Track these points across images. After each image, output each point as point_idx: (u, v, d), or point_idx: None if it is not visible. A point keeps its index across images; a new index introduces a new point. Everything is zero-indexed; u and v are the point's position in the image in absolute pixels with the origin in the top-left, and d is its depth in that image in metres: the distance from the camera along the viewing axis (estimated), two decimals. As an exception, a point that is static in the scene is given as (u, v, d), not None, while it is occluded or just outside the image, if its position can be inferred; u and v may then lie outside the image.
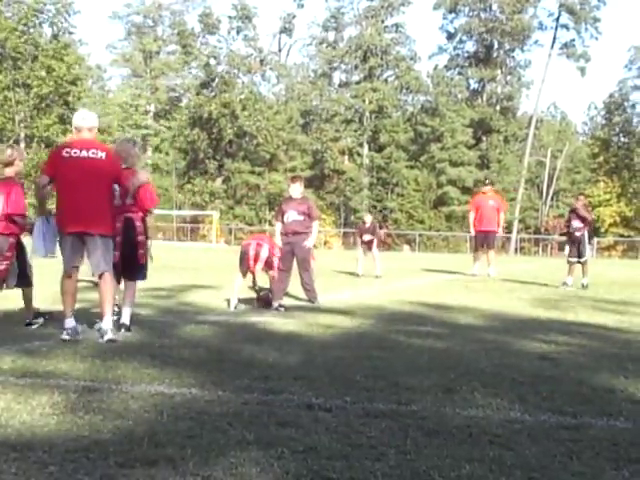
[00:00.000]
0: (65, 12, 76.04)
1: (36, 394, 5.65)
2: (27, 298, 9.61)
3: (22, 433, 4.69)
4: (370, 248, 21.81)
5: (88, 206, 8.34)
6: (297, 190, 13.49)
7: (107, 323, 8.38)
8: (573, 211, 18.85)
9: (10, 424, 4.86)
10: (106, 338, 8.18)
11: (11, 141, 69.83)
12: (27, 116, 70.66)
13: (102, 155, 8.49)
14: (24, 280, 9.58)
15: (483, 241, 21.96)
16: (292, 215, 13.26)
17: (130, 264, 9.22)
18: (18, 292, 12.03)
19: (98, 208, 8.40)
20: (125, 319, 9.19)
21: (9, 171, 9.39)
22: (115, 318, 8.87)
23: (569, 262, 18.48)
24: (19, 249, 9.45)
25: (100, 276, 8.58)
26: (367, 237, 21.96)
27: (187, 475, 4.02)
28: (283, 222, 13.31)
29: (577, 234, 18.33)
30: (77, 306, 11.00)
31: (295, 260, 13.31)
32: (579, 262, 18.32)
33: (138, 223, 9.16)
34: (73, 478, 3.96)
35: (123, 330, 8.99)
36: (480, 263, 21.97)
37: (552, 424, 5.21)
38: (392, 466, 4.25)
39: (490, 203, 21.77)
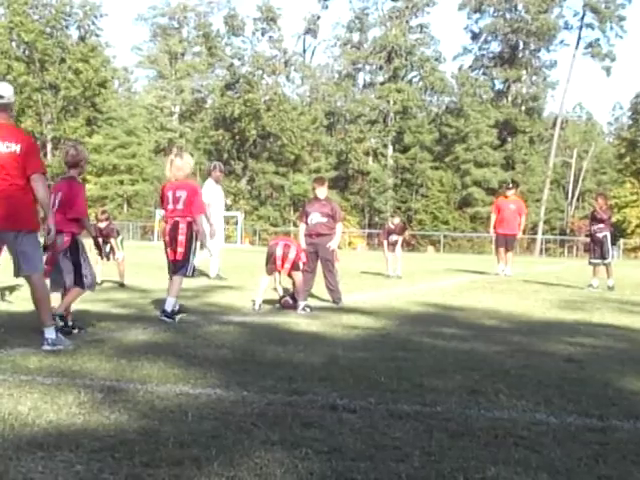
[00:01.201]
0: (92, 15, 76.63)
1: (62, 393, 5.68)
2: (71, 297, 8.97)
3: (49, 432, 4.72)
4: (395, 249, 21.78)
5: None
6: (321, 192, 13.50)
7: (48, 333, 7.76)
8: (593, 212, 18.80)
9: (37, 423, 4.89)
10: (48, 348, 7.58)
11: (38, 143, 70.53)
12: (54, 118, 71.14)
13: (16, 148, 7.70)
14: (78, 281, 9.00)
15: (503, 243, 22.40)
16: (316, 217, 13.30)
17: (174, 261, 10.40)
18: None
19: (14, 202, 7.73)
20: (167, 306, 10.20)
21: (73, 171, 9.23)
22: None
23: (591, 264, 18.40)
24: (74, 249, 9.02)
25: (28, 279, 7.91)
26: (394, 237, 21.92)
27: (212, 475, 4.03)
28: (307, 224, 13.35)
29: (599, 235, 18.23)
30: (102, 307, 11.05)
31: (319, 261, 13.36)
32: (603, 264, 18.22)
33: (182, 225, 10.31)
34: (99, 477, 3.97)
35: (162, 316, 10.10)
36: (503, 263, 22.30)
37: (578, 426, 5.18)
38: (416, 467, 4.24)
39: (511, 207, 22.32)
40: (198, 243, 10.72)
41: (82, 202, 9.15)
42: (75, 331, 8.73)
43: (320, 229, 13.29)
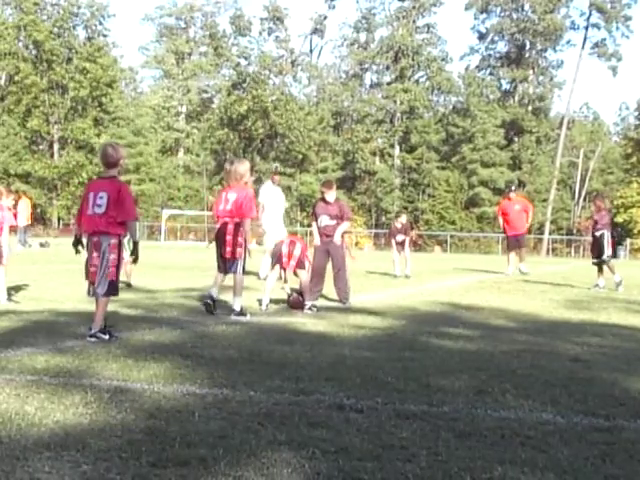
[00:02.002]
0: (100, 15, 76.78)
1: (69, 394, 5.69)
2: (102, 307, 8.65)
3: (56, 432, 4.72)
4: (403, 248, 21.81)
5: None
6: (330, 196, 13.56)
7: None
8: (596, 213, 18.89)
9: (44, 423, 4.90)
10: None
11: (45, 143, 70.64)
12: (62, 118, 71.25)
13: None
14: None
15: (515, 245, 22.96)
16: (324, 220, 13.47)
17: (225, 259, 10.96)
18: (49, 292, 12.15)
19: None
20: (236, 306, 10.85)
21: (113, 171, 8.80)
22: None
23: (593, 264, 18.47)
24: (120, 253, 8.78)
25: None
26: (400, 237, 21.94)
27: (219, 475, 4.03)
28: (317, 224, 13.47)
29: (596, 234, 18.30)
30: (109, 308, 11.09)
31: (330, 260, 13.49)
32: (602, 261, 18.21)
33: (231, 226, 10.86)
34: (106, 477, 3.98)
35: (233, 315, 10.71)
36: (513, 264, 22.57)
37: (585, 426, 5.17)
38: (423, 467, 4.24)
39: (516, 208, 22.92)
40: (251, 243, 11.42)
41: (131, 202, 8.85)
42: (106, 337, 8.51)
43: (329, 231, 13.43)
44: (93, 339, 8.29)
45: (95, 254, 8.57)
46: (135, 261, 9.09)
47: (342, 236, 13.49)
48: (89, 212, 8.64)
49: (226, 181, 11.48)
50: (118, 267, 8.74)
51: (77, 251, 8.81)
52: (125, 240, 16.07)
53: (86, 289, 8.88)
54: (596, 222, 18.36)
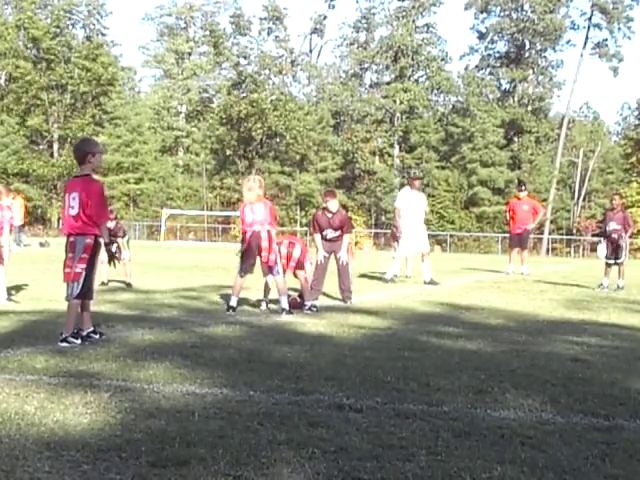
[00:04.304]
0: (97, 13, 76.77)
1: (69, 393, 5.69)
2: (72, 310, 8.38)
3: (55, 432, 4.73)
4: None
5: None
6: (333, 205, 13.59)
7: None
8: (608, 211, 18.77)
9: (44, 423, 4.90)
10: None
11: (44, 142, 70.65)
12: (61, 116, 71.25)
13: None
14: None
15: (517, 243, 22.82)
16: (330, 233, 13.66)
17: (267, 264, 11.62)
18: (48, 292, 12.16)
19: None
20: (283, 304, 11.52)
21: (86, 168, 8.55)
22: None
23: (607, 264, 18.33)
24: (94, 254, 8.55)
25: None
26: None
27: (218, 475, 4.03)
28: (322, 235, 13.64)
29: (614, 235, 18.13)
30: (108, 308, 11.08)
31: (334, 259, 13.67)
32: (616, 263, 18.18)
33: (264, 234, 11.46)
34: (105, 477, 3.98)
35: (284, 313, 11.33)
36: (514, 263, 22.51)
37: (584, 426, 5.18)
38: (423, 467, 4.25)
39: (524, 207, 22.84)
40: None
41: (100, 202, 8.51)
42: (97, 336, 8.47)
43: (335, 239, 13.67)
44: (64, 344, 7.98)
45: (70, 255, 8.38)
46: (110, 261, 8.97)
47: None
48: (66, 213, 8.50)
49: (246, 197, 11.78)
50: (90, 268, 8.45)
51: None
52: (125, 240, 16.18)
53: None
54: (618, 220, 18.19)
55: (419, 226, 18.61)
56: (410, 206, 18.46)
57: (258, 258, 11.57)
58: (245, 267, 11.68)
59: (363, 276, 20.25)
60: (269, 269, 11.66)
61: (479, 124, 72.85)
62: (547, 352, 8.29)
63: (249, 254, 11.61)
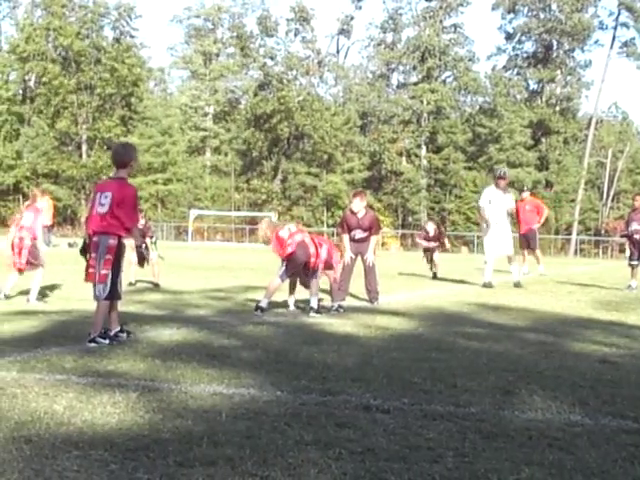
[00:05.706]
0: (127, 16, 77.17)
1: (97, 393, 5.72)
2: (100, 311, 8.42)
3: (84, 431, 4.76)
4: (432, 253, 21.87)
5: None
6: (359, 204, 13.56)
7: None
8: (633, 212, 18.55)
9: (72, 422, 4.93)
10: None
11: (73, 143, 71.03)
12: (89, 118, 71.64)
13: None
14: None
15: (525, 244, 22.58)
16: (358, 233, 13.59)
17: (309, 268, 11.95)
18: (77, 292, 12.23)
19: None
20: (313, 304, 11.64)
21: (122, 172, 8.64)
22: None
23: (630, 265, 18.17)
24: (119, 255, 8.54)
25: None
26: (431, 244, 22.07)
27: (245, 475, 4.04)
28: (350, 236, 13.59)
29: (636, 236, 17.92)
30: (136, 308, 11.14)
31: (361, 260, 13.65)
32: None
33: (307, 240, 11.98)
34: (133, 477, 4.00)
35: (312, 312, 11.46)
36: (527, 264, 22.22)
37: (613, 428, 5.14)
38: (450, 469, 4.24)
39: (527, 208, 22.62)
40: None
41: (132, 206, 8.54)
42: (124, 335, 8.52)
43: (363, 240, 13.63)
44: (92, 344, 8.02)
45: (94, 254, 8.40)
46: (140, 263, 8.98)
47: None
48: (93, 212, 8.51)
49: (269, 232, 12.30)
50: (116, 270, 8.44)
51: (86, 258, 8.65)
52: (152, 241, 16.23)
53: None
54: (633, 221, 18.03)
55: (503, 227, 18.28)
56: (491, 204, 18.07)
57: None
58: (288, 273, 11.95)
59: (390, 276, 20.20)
60: (313, 273, 11.93)
61: (506, 125, 72.52)
62: (575, 353, 8.25)
63: (295, 263, 11.80)
